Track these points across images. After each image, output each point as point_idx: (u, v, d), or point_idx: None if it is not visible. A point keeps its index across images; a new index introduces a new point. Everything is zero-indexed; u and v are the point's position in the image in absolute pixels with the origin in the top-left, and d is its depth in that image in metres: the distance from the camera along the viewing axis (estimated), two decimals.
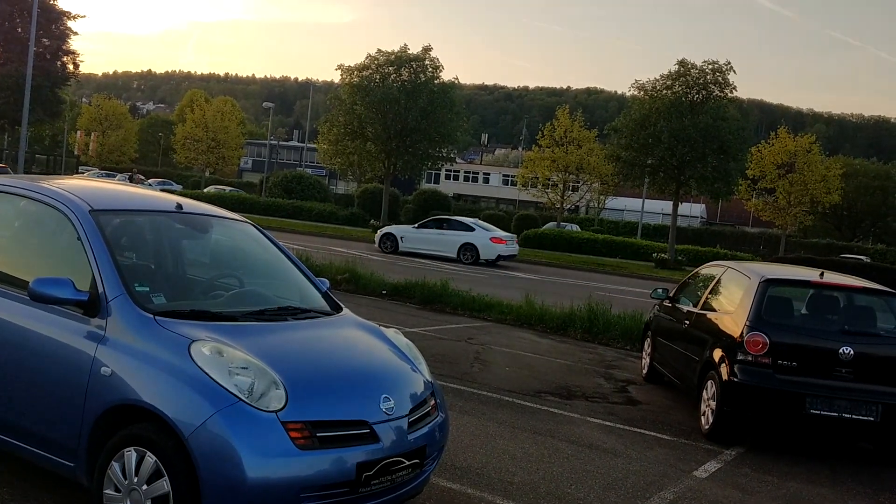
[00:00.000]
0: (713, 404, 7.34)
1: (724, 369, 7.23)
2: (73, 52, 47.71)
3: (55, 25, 45.97)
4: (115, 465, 3.84)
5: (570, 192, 49.51)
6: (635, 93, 35.63)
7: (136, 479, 3.77)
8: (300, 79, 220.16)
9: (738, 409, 7.14)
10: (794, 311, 7.75)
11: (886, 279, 13.45)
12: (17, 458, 4.48)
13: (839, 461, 7.24)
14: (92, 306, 4.12)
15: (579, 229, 48.72)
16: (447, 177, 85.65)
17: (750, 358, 7.08)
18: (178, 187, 58.15)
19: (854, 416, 6.91)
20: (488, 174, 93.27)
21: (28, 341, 4.27)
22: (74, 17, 46.93)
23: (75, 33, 47.14)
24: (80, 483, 4.12)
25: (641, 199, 53.29)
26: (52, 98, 47.25)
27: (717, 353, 7.43)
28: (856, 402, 6.92)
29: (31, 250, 4.92)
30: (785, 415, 7.06)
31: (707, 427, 7.44)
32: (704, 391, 7.59)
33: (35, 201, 4.76)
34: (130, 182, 35.67)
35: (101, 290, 4.13)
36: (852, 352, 7.00)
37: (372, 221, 41.86)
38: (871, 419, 6.91)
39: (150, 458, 3.72)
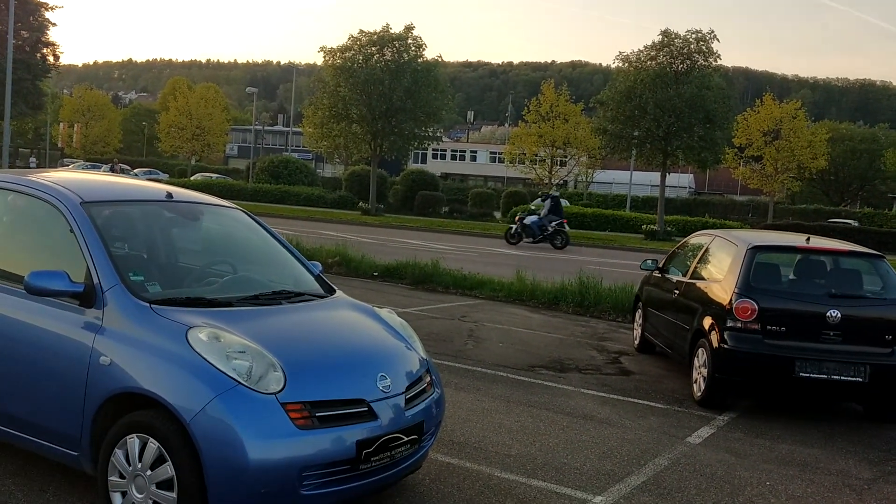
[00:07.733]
0: (704, 371, 7.44)
1: (714, 336, 7.32)
2: (53, 44, 47.20)
3: (33, 17, 45.39)
4: (119, 453, 3.90)
5: (557, 167, 49.49)
6: (620, 65, 35.49)
7: (139, 465, 3.83)
8: (283, 62, 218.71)
9: (729, 375, 7.25)
10: (782, 277, 7.83)
11: (874, 242, 13.61)
12: (21, 450, 4.53)
13: (830, 423, 7.36)
14: (88, 297, 4.15)
15: (568, 203, 48.77)
16: (434, 156, 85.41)
17: (739, 324, 7.17)
18: (165, 176, 57.81)
19: (843, 378, 7.01)
20: (475, 152, 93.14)
21: (26, 335, 4.31)
22: (52, 8, 46.38)
23: (53, 24, 46.79)
24: (84, 471, 4.19)
25: (629, 172, 53.37)
26: (33, 90, 46.77)
27: (707, 321, 7.52)
28: (844, 363, 7.01)
29: (23, 244, 4.93)
30: (775, 379, 7.16)
31: (699, 394, 7.55)
32: (696, 359, 7.69)
33: (25, 195, 4.78)
34: (112, 172, 35.45)
35: (96, 281, 4.17)
36: (839, 314, 7.09)
37: (360, 204, 41.81)
38: (860, 380, 7.01)
39: (153, 445, 3.78)
